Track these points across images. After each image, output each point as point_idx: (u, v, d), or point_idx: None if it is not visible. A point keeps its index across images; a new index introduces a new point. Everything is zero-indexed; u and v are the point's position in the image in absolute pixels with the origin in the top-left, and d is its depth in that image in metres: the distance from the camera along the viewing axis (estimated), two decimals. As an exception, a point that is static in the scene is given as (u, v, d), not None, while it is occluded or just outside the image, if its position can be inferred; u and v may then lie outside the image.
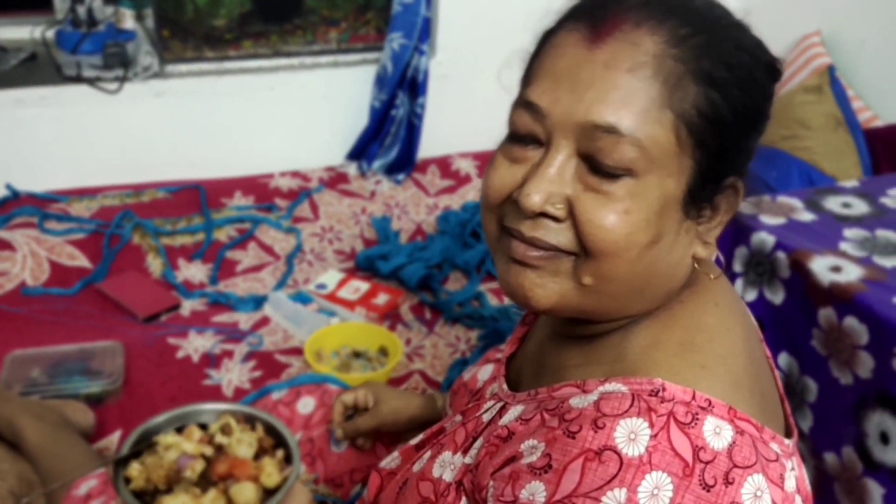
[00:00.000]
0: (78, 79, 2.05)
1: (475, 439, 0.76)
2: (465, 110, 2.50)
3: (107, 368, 1.49)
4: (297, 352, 1.67)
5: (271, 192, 2.26)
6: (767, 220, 1.49)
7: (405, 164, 2.37)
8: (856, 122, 2.23)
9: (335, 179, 2.35)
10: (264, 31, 2.27)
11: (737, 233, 1.48)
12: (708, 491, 0.56)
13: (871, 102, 2.30)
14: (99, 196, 2.09)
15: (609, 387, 0.63)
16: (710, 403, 0.60)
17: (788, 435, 0.69)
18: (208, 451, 0.75)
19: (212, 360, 1.61)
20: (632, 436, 0.58)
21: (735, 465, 0.57)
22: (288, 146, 2.36)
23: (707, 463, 0.57)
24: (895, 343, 1.27)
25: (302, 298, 1.82)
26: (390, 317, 1.81)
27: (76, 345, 1.56)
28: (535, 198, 0.62)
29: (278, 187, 2.28)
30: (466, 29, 2.38)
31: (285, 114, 2.32)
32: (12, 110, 2.02)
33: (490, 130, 2.65)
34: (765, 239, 1.45)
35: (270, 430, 0.80)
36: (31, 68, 2.11)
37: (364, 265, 1.95)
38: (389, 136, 2.36)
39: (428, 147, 2.42)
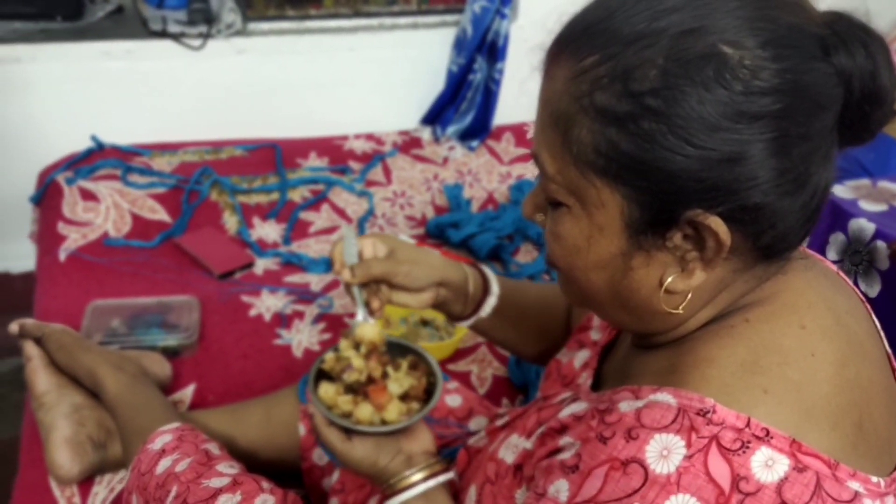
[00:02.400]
0: (163, 34, 2.07)
1: (541, 427, 0.76)
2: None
3: (184, 322, 1.52)
4: (366, 316, 1.68)
5: (345, 154, 2.27)
6: (867, 206, 1.42)
7: (480, 130, 2.34)
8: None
9: (409, 144, 2.34)
10: (345, -9, 2.26)
11: (833, 218, 1.41)
12: None
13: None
14: (180, 151, 2.13)
15: (659, 396, 0.60)
16: (767, 433, 0.55)
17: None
18: (373, 370, 0.87)
19: (283, 319, 1.64)
20: (664, 452, 0.55)
21: (783, 502, 0.53)
22: (364, 108, 2.35)
23: (748, 495, 0.53)
24: None
25: (372, 263, 1.83)
26: (459, 286, 1.80)
27: (155, 298, 1.60)
28: (523, 209, 0.72)
29: (352, 150, 2.29)
30: (550, -6, 2.32)
31: (363, 75, 2.32)
32: (99, 62, 2.07)
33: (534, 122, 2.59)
34: (864, 226, 1.38)
35: (432, 388, 0.89)
36: (118, 21, 2.15)
37: (434, 232, 1.95)
38: (465, 102, 2.33)
39: (503, 114, 2.39)
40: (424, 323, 1.66)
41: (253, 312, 1.65)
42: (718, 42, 0.55)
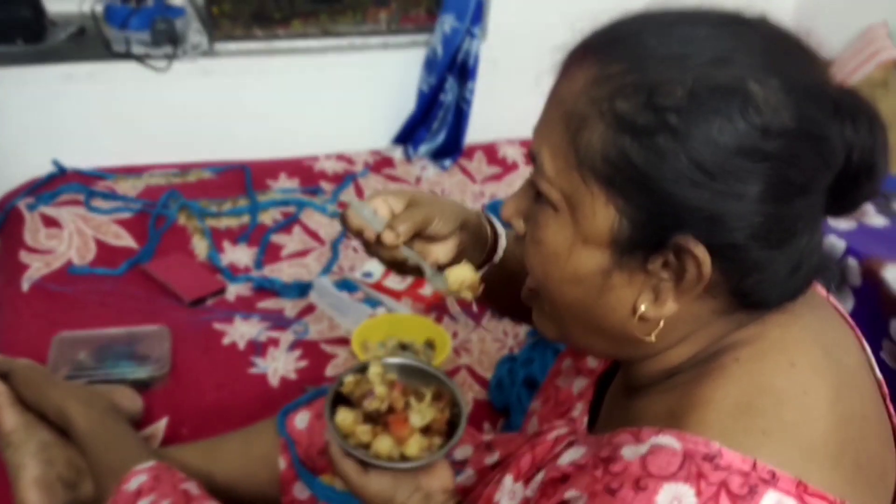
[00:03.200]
0: (127, 55, 2.03)
1: (538, 471, 0.74)
2: (515, 96, 2.44)
3: (154, 353, 1.47)
4: (343, 342, 1.64)
5: (316, 174, 2.24)
6: (837, 223, 1.43)
7: (452, 149, 2.33)
8: (923, 120, 2.14)
9: (381, 163, 2.32)
10: (314, 11, 2.23)
11: None
12: None
13: (939, 99, 2.21)
14: (145, 175, 2.08)
15: (662, 439, 0.58)
16: (773, 476, 0.54)
17: None
18: (395, 400, 0.83)
19: (257, 347, 1.59)
20: (675, 502, 0.53)
21: None
22: (334, 128, 2.32)
23: None
24: None
25: (347, 286, 1.80)
26: (437, 308, 1.78)
27: (124, 328, 1.55)
28: (503, 210, 0.69)
29: (323, 170, 2.26)
30: (519, 12, 2.32)
31: (333, 95, 2.29)
32: (61, 85, 2.01)
33: (536, 118, 2.58)
34: (834, 243, 1.39)
35: (456, 420, 0.85)
36: (80, 43, 2.09)
37: (410, 254, 1.92)
38: (437, 121, 2.32)
39: (475, 133, 2.38)
40: (403, 347, 1.63)
41: (226, 340, 1.60)
42: (746, 76, 0.55)
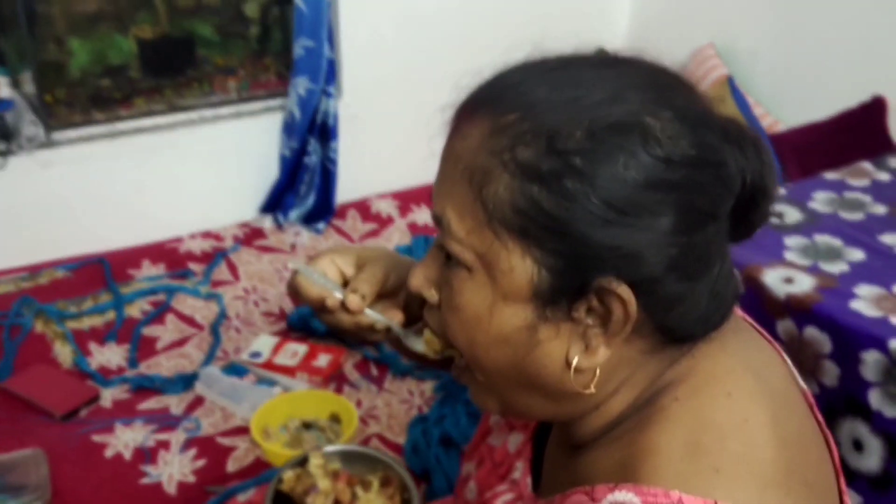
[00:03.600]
0: (-47, 156, 1.85)
1: None
2: (380, 150, 2.44)
3: (31, 481, 1.32)
4: (241, 431, 1.53)
5: (182, 256, 2.11)
6: None
7: (324, 211, 2.27)
8: (760, 128, 2.29)
9: (250, 236, 2.22)
10: (157, 87, 2.13)
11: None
12: None
13: (769, 108, 2.38)
14: (-10, 283, 1.89)
15: (619, 496, 0.56)
16: None
17: None
18: (341, 493, 0.80)
19: (146, 454, 1.45)
20: None
21: None
22: (195, 206, 2.21)
23: None
24: (859, 349, 1.27)
25: (236, 370, 1.69)
26: (335, 378, 1.70)
27: (-12, 459, 1.37)
28: (411, 281, 0.64)
29: (190, 251, 2.13)
30: (371, 66, 2.32)
31: (189, 172, 2.18)
32: None
33: (407, 168, 2.60)
34: None
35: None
36: None
37: (298, 325, 1.84)
38: (304, 185, 2.25)
39: (344, 191, 2.33)
40: (307, 426, 1.54)
41: (109, 453, 1.45)
42: (640, 111, 0.55)
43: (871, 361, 1.25)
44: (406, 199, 2.41)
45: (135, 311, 1.89)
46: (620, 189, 0.53)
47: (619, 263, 0.55)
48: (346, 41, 2.25)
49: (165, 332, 1.84)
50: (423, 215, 2.35)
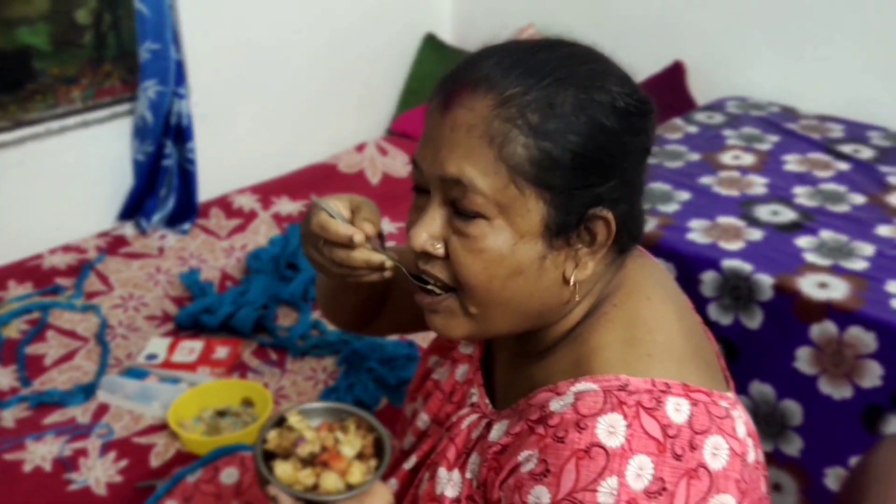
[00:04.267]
0: None
1: (468, 455, 0.82)
2: (234, 145, 2.48)
3: (-46, 509, 1.30)
4: (155, 430, 1.57)
5: (48, 272, 2.07)
6: (728, 245, 1.53)
7: (187, 212, 2.29)
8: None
9: (114, 244, 2.20)
10: (-2, 103, 2.05)
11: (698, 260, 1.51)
12: (679, 460, 0.66)
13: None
14: None
15: (581, 386, 0.71)
16: (667, 386, 0.69)
17: (728, 386, 0.81)
18: (325, 439, 0.87)
19: (66, 464, 1.47)
20: (611, 429, 0.67)
21: (695, 433, 0.68)
22: (52, 220, 2.16)
23: (674, 437, 0.67)
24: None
25: (136, 374, 1.71)
26: (237, 368, 1.76)
27: None
28: (416, 240, 0.73)
29: (54, 266, 2.09)
30: (217, 63, 2.35)
31: (42, 186, 2.13)
32: None
33: (262, 160, 2.70)
34: (740, 265, 1.46)
35: (379, 444, 0.90)
36: None
37: (187, 324, 1.87)
38: (164, 188, 2.26)
39: (204, 190, 2.36)
40: (221, 414, 1.60)
41: (27, 468, 1.45)
42: (606, 78, 0.72)
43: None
44: (266, 192, 2.47)
45: (12, 332, 1.84)
46: (606, 138, 0.70)
47: (608, 194, 0.71)
48: (190, 42, 2.27)
49: (50, 348, 1.81)
50: (285, 206, 2.43)
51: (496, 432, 0.79)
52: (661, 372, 0.71)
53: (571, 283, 0.74)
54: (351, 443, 0.88)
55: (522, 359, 0.84)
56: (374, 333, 1.10)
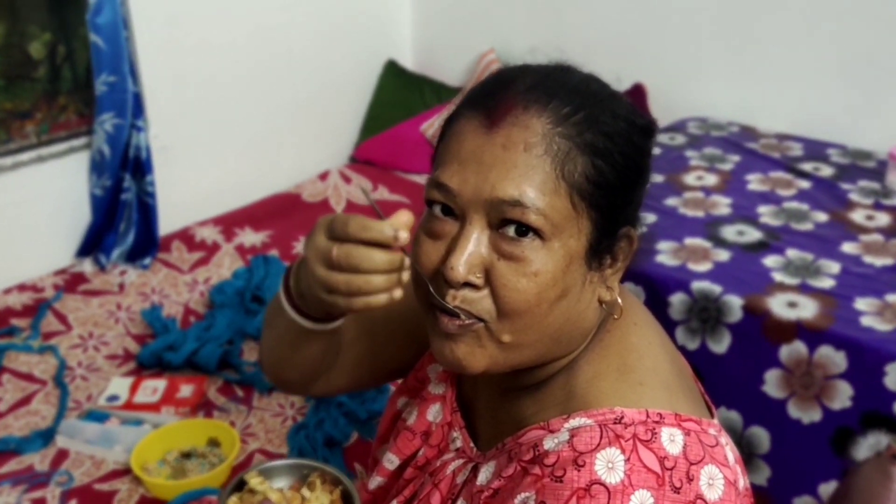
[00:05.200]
0: None
1: (454, 501, 0.79)
2: (194, 177, 2.44)
3: None
4: (117, 475, 1.52)
5: (2, 313, 2.01)
6: (696, 266, 1.52)
7: (147, 246, 2.24)
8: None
9: (72, 282, 2.14)
10: (-52, 140, 2.00)
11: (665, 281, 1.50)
12: (678, 493, 0.65)
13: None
14: None
15: (575, 422, 0.69)
16: (661, 416, 0.68)
17: (711, 411, 0.80)
18: (291, 499, 0.83)
19: (24, 516, 1.41)
20: (609, 465, 0.65)
21: (691, 464, 0.67)
22: (6, 258, 2.10)
23: (671, 469, 0.66)
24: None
25: (96, 417, 1.65)
26: (202, 406, 1.72)
27: None
28: (459, 270, 0.68)
29: (9, 306, 2.03)
30: (175, 94, 2.32)
31: (-6, 224, 2.07)
32: None
33: (224, 191, 2.66)
34: (709, 287, 1.45)
35: (346, 496, 0.86)
36: None
37: (150, 362, 1.82)
38: (123, 222, 2.21)
39: (165, 224, 2.31)
40: (186, 455, 1.55)
41: (-18, 523, 1.39)
42: (621, 99, 0.73)
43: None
44: (228, 223, 2.43)
45: (-36, 376, 1.77)
46: (640, 157, 0.72)
47: (634, 213, 0.73)
48: (147, 73, 2.23)
49: (5, 392, 1.75)
50: (248, 237, 2.39)
51: (484, 475, 0.77)
52: (653, 401, 0.70)
53: (603, 305, 0.74)
54: (318, 499, 0.85)
55: (510, 394, 0.80)
56: (320, 392, 1.00)
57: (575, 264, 0.70)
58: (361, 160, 2.84)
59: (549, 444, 0.69)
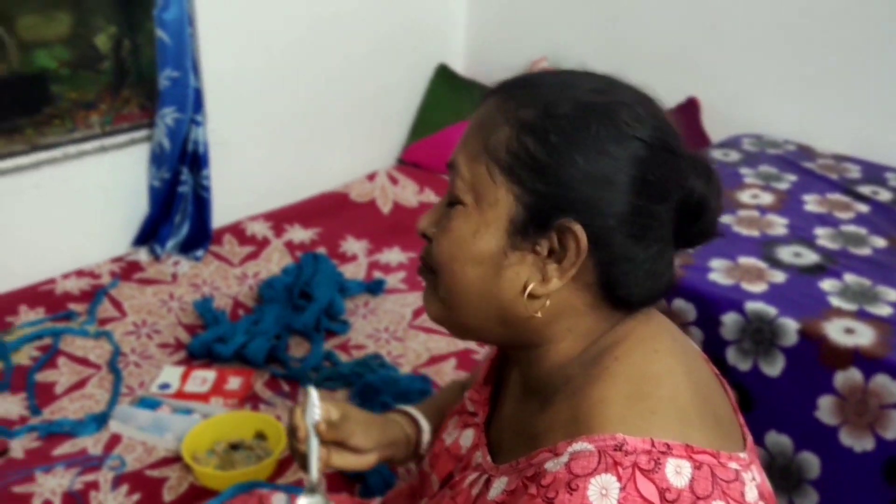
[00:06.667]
0: None
1: None
2: (249, 173, 2.48)
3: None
4: (168, 462, 1.55)
5: (60, 298, 2.06)
6: (751, 287, 1.50)
7: (201, 238, 2.28)
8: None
9: (128, 270, 2.19)
10: (16, 127, 2.05)
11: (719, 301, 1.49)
12: None
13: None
14: None
15: (577, 447, 0.68)
16: (668, 447, 0.66)
17: (745, 443, 0.77)
18: None
19: (76, 497, 1.45)
20: (603, 491, 0.64)
21: (697, 498, 0.65)
22: (66, 245, 2.16)
23: (673, 502, 0.64)
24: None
25: (149, 404, 1.69)
26: (250, 399, 1.75)
27: None
28: (419, 224, 0.81)
29: (67, 291, 2.08)
30: (233, 91, 2.36)
31: (57, 210, 2.12)
32: None
33: (275, 188, 2.70)
34: (764, 308, 1.44)
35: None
36: None
37: (200, 352, 1.86)
38: (178, 214, 2.25)
39: (219, 217, 2.35)
40: (234, 447, 1.59)
41: (36, 501, 1.43)
42: (617, 101, 0.72)
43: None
44: (278, 219, 2.47)
45: (23, 358, 1.83)
46: (591, 147, 0.70)
47: (580, 207, 0.70)
48: (209, 69, 2.28)
49: (61, 375, 1.80)
50: (297, 234, 2.42)
51: (495, 490, 0.77)
52: (663, 431, 0.68)
53: (526, 294, 0.73)
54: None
55: (526, 404, 0.81)
56: None
57: (489, 232, 0.73)
58: (409, 162, 2.86)
59: (549, 465, 0.69)
